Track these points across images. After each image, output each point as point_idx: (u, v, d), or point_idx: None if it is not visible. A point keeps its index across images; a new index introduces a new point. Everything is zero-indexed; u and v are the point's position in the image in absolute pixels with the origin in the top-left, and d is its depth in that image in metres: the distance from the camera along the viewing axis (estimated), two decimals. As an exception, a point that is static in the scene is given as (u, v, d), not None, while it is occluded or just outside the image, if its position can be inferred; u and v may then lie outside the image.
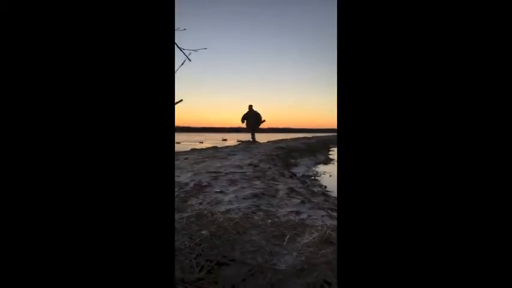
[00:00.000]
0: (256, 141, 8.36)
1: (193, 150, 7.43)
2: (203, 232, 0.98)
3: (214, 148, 8.01)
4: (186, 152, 6.33)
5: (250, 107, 7.81)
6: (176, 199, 2.03)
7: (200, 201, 2.11)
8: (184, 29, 0.94)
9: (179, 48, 0.81)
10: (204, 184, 2.58)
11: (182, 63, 0.72)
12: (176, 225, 1.00)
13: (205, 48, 0.82)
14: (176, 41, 0.82)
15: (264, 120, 7.97)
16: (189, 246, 0.88)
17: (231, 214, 1.42)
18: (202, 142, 13.93)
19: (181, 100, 0.63)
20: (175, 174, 3.03)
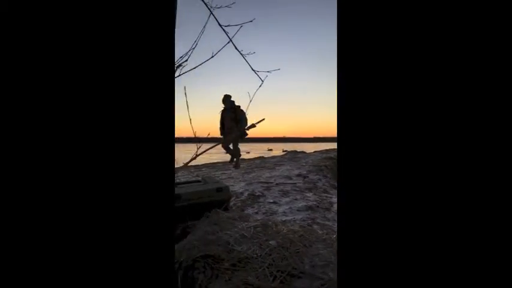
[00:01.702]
0: (238, 164, 4.26)
1: (241, 160, 7.69)
2: (271, 242, 1.01)
3: (261, 158, 8.15)
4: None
5: (227, 98, 4.05)
6: (234, 208, 2.13)
7: (256, 210, 2.18)
8: (254, 52, 1.02)
9: (254, 70, 0.88)
10: (257, 194, 2.65)
11: (260, 86, 0.79)
12: (245, 233, 1.06)
13: (279, 69, 0.88)
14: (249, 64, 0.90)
15: (254, 125, 3.93)
16: (260, 255, 0.93)
17: (288, 226, 1.43)
18: (249, 152, 14.31)
19: (263, 119, 0.69)
20: (230, 184, 3.18)
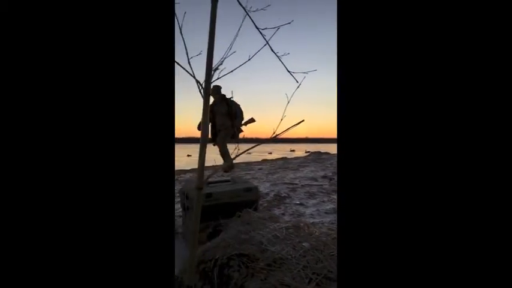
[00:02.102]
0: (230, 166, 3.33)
1: (265, 160, 7.70)
2: (304, 244, 1.01)
3: (284, 159, 8.10)
4: (258, 163, 6.62)
5: (216, 89, 3.26)
6: (261, 208, 2.15)
7: (282, 211, 2.17)
8: (288, 53, 1.02)
9: (289, 72, 0.89)
10: (283, 195, 2.64)
11: (297, 87, 0.79)
12: (278, 234, 1.07)
13: (315, 70, 0.88)
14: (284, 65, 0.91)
15: (252, 120, 3.43)
16: (294, 256, 0.93)
17: (318, 228, 1.41)
18: (271, 153, 14.31)
19: (302, 121, 0.69)
20: (256, 184, 3.19)
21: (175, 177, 4.02)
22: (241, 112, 3.42)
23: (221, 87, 3.37)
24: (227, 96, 3.37)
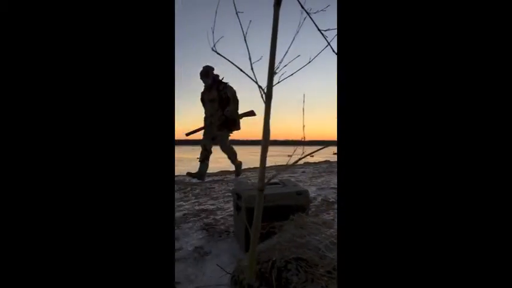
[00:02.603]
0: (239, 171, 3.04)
1: (307, 163, 7.54)
2: (365, 254, 0.96)
3: (327, 162, 7.81)
4: (301, 165, 6.51)
5: (206, 71, 2.72)
6: (309, 212, 2.11)
7: (331, 217, 2.09)
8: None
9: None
10: (331, 200, 2.54)
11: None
12: (334, 240, 1.03)
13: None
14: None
15: (252, 113, 2.87)
16: (356, 265, 0.88)
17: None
18: (313, 156, 13.92)
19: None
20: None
21: (222, 177, 4.20)
22: (236, 100, 2.65)
23: (213, 68, 2.69)
24: (223, 80, 2.64)
